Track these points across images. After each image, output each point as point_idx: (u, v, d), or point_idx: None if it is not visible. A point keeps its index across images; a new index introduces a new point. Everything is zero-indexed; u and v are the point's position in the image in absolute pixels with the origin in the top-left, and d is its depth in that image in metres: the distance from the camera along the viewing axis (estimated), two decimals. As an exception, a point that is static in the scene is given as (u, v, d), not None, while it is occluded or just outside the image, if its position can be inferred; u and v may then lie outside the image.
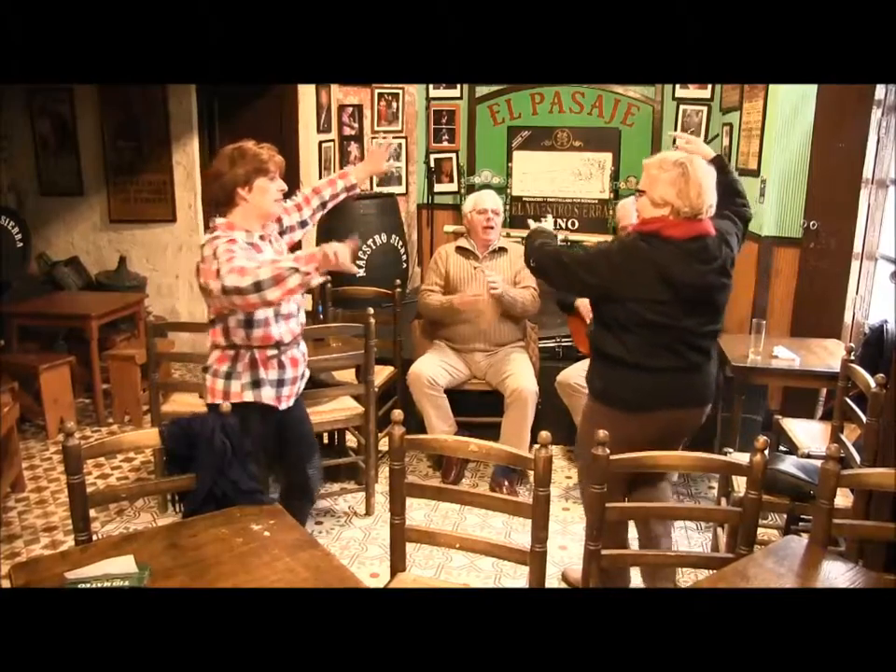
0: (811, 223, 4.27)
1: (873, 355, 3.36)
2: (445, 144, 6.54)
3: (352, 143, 6.08)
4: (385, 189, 6.18)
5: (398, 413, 2.10)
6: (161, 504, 3.57)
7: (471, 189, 5.95)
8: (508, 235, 5.17)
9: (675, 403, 2.54)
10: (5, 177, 5.80)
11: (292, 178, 5.37)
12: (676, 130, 5.97)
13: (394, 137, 6.22)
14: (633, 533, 3.44)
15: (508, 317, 3.91)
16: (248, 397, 2.51)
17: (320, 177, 5.68)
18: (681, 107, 5.95)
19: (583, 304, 3.64)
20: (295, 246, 2.74)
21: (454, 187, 6.56)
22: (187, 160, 5.69)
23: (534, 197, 6.37)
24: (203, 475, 2.08)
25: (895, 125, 3.79)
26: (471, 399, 3.97)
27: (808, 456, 2.95)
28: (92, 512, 2.07)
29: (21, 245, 5.54)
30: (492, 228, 3.92)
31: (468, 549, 2.21)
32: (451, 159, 6.55)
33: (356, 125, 6.04)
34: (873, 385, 2.66)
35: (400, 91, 6.19)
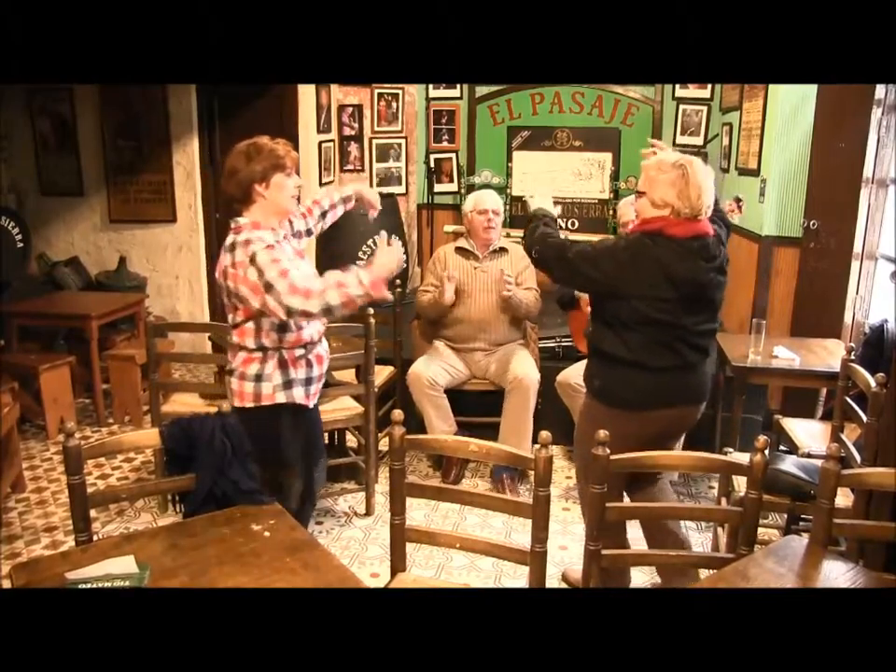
0: (811, 223, 4.27)
1: (873, 354, 3.35)
2: (445, 144, 6.54)
3: (352, 143, 6.08)
4: (385, 190, 6.18)
5: (398, 413, 2.10)
6: (161, 504, 3.57)
7: (471, 189, 5.95)
8: (508, 235, 5.17)
9: (674, 402, 2.55)
10: (5, 177, 5.80)
11: (292, 178, 5.38)
12: (676, 130, 5.99)
13: (394, 137, 6.24)
14: (635, 533, 3.45)
15: (508, 317, 3.91)
16: (281, 398, 2.50)
17: (320, 177, 5.69)
18: (681, 107, 5.95)
19: (586, 299, 3.64)
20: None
21: (454, 187, 6.56)
22: (187, 160, 5.69)
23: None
24: (203, 475, 2.08)
25: (895, 125, 3.79)
26: (471, 399, 3.97)
27: (809, 456, 2.95)
28: (93, 513, 2.06)
29: (21, 245, 5.55)
30: (493, 228, 3.92)
31: (468, 549, 2.21)
32: (451, 159, 6.55)
33: (356, 125, 6.04)
34: (873, 384, 2.66)
35: (400, 91, 6.19)
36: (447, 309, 3.86)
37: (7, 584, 1.89)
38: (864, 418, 2.72)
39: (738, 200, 4.76)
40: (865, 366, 2.93)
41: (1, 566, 3.03)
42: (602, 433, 2.01)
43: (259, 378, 2.48)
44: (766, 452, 1.97)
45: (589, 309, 3.42)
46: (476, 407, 3.96)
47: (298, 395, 2.53)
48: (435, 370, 3.77)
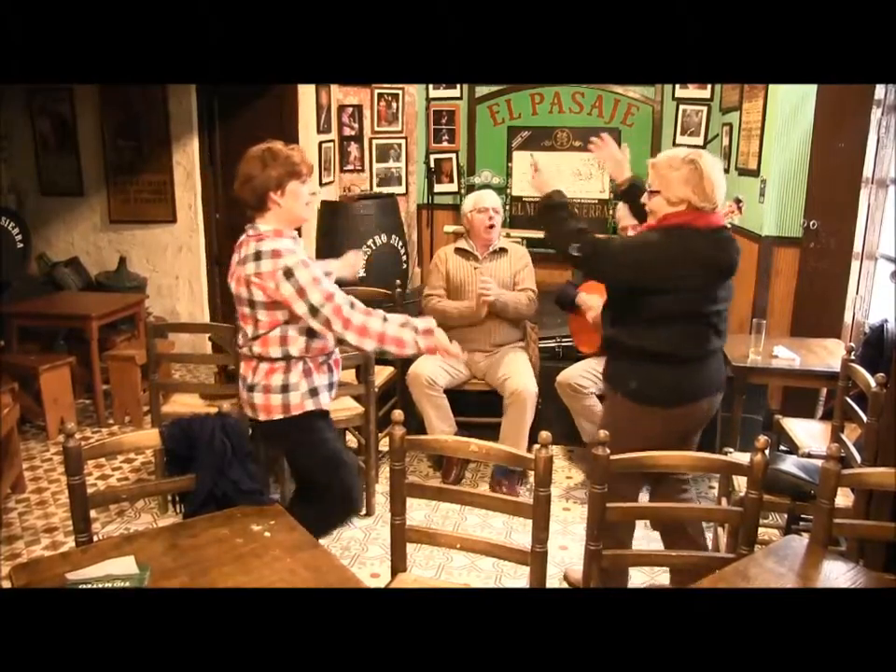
0: (811, 223, 4.27)
1: (873, 354, 3.35)
2: (445, 144, 6.54)
3: (352, 143, 6.08)
4: (385, 190, 6.18)
5: (398, 414, 2.10)
6: (161, 505, 3.57)
7: (471, 189, 5.95)
8: (508, 235, 5.17)
9: (706, 392, 2.58)
10: (5, 177, 5.80)
11: (292, 179, 5.38)
12: (676, 130, 5.98)
13: (394, 137, 6.24)
14: (636, 532, 3.45)
15: (507, 318, 3.91)
16: (309, 406, 2.48)
17: (320, 178, 5.68)
18: (681, 107, 5.95)
19: (584, 302, 3.64)
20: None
21: (454, 187, 6.56)
22: (187, 160, 5.69)
23: (534, 197, 6.34)
24: (203, 476, 2.08)
25: (895, 125, 3.79)
26: (471, 400, 3.97)
27: (809, 456, 2.95)
28: (93, 513, 2.07)
29: (21, 245, 5.55)
30: (493, 227, 3.91)
31: (468, 549, 2.21)
32: (451, 159, 6.55)
33: (356, 125, 6.04)
34: (873, 384, 2.66)
35: (400, 92, 6.20)
36: (477, 317, 3.83)
37: (7, 585, 1.89)
38: (864, 418, 2.72)
39: (738, 200, 4.76)
40: (865, 366, 2.93)
41: (1, 566, 3.03)
42: (602, 433, 2.01)
43: (285, 388, 2.44)
44: (766, 452, 1.97)
45: (593, 313, 3.43)
46: (475, 407, 3.95)
47: (324, 401, 2.53)
48: (435, 370, 3.77)
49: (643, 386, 2.53)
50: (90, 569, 1.70)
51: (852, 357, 3.02)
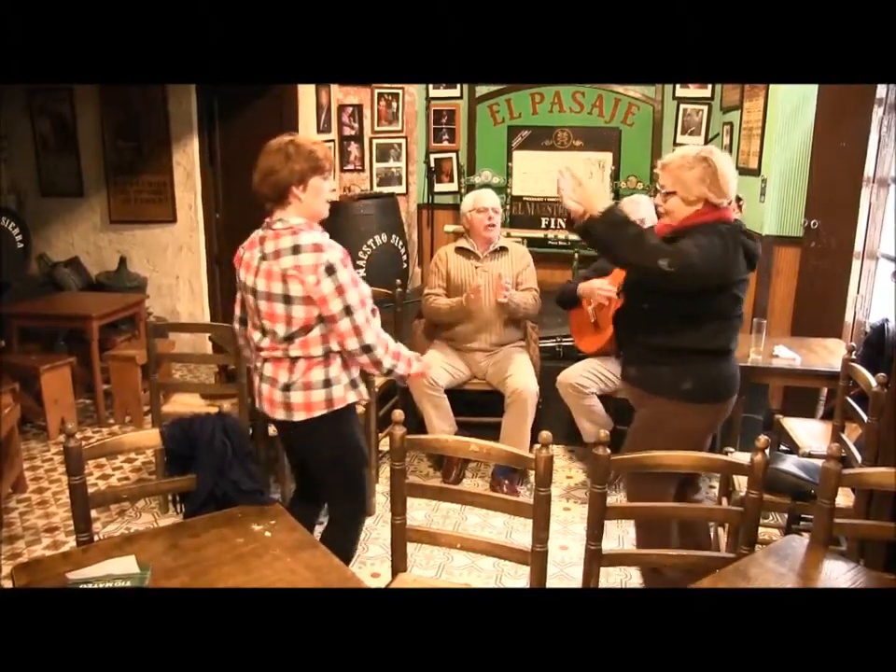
0: (812, 222, 4.27)
1: (873, 354, 3.36)
2: (445, 143, 6.55)
3: (352, 143, 6.08)
4: (386, 189, 6.18)
5: (398, 414, 2.10)
6: (162, 505, 3.57)
7: (471, 188, 5.94)
8: (508, 235, 5.17)
9: (739, 383, 2.63)
10: (5, 178, 5.80)
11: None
12: (676, 129, 5.98)
13: (394, 137, 6.24)
14: (634, 533, 3.45)
15: (508, 317, 3.91)
16: (351, 397, 2.45)
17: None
18: (682, 107, 5.95)
19: (585, 289, 3.65)
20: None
21: (454, 186, 6.56)
22: (187, 160, 5.69)
23: (534, 197, 6.37)
24: (203, 476, 2.08)
25: (896, 124, 3.79)
26: (472, 399, 3.97)
27: (809, 456, 2.95)
28: (94, 513, 2.07)
29: (22, 245, 5.54)
30: (493, 226, 3.90)
31: (468, 549, 2.21)
32: (451, 158, 6.55)
33: (356, 125, 6.04)
34: (874, 384, 2.66)
35: (400, 91, 6.20)
36: (467, 313, 3.83)
37: (8, 584, 1.89)
38: (865, 418, 2.72)
39: (739, 199, 4.76)
40: (866, 365, 2.93)
41: (2, 566, 3.03)
42: (603, 433, 2.01)
43: (328, 383, 2.39)
44: (767, 451, 1.97)
45: (594, 313, 3.43)
46: (476, 407, 3.95)
47: (362, 391, 2.52)
48: (435, 369, 3.77)
49: (699, 385, 2.50)
50: (90, 569, 1.70)
51: (853, 357, 3.01)
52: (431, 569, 3.16)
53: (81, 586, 1.64)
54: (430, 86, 6.45)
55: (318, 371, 2.37)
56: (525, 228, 6.25)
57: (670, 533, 2.66)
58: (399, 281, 4.31)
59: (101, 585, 1.64)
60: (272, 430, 3.32)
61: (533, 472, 1.96)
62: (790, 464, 2.68)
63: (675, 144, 5.99)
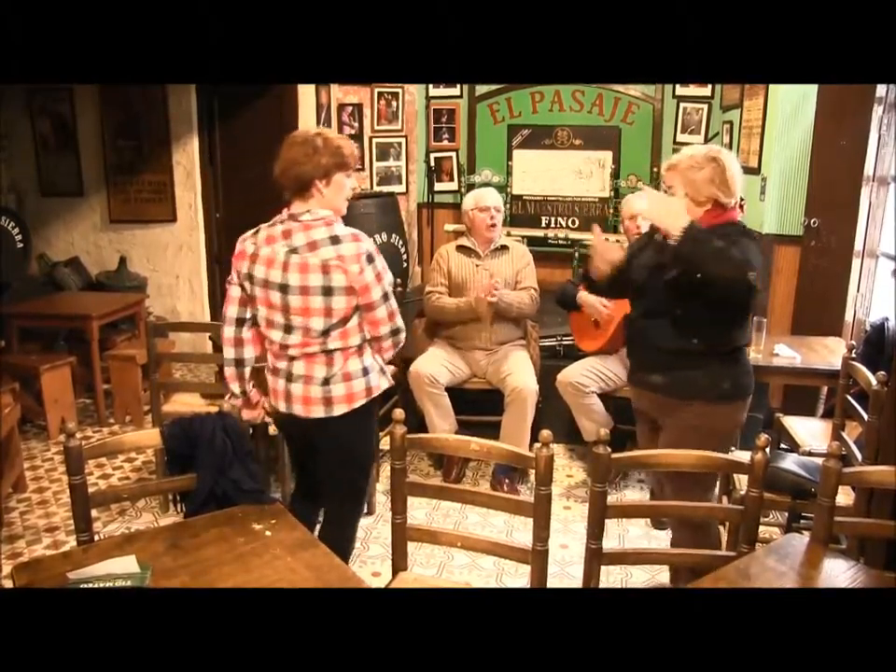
0: (812, 221, 4.27)
1: (873, 352, 3.36)
2: (445, 142, 6.54)
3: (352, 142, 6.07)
4: (386, 188, 6.18)
5: (399, 413, 2.10)
6: (162, 504, 3.58)
7: (472, 187, 5.94)
8: (508, 234, 5.17)
9: None
10: (5, 178, 5.80)
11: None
12: (676, 128, 5.98)
13: (394, 136, 6.23)
14: (636, 531, 3.45)
15: (501, 317, 3.90)
16: (384, 384, 2.46)
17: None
18: (682, 105, 5.95)
19: (585, 301, 3.65)
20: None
21: (454, 185, 6.56)
22: (187, 159, 5.69)
23: (534, 196, 6.37)
24: (203, 475, 2.08)
25: None
26: (472, 398, 3.97)
27: (809, 454, 2.95)
28: (94, 513, 2.06)
29: (22, 245, 5.55)
30: (495, 226, 3.90)
31: (469, 548, 2.21)
32: (451, 157, 6.55)
33: (356, 124, 6.04)
34: (874, 382, 2.67)
35: (400, 90, 6.19)
36: (472, 314, 3.82)
37: (8, 584, 1.89)
38: (865, 416, 2.72)
39: (741, 199, 4.76)
40: (866, 364, 2.94)
41: (2, 565, 3.04)
42: (603, 432, 2.01)
43: (366, 371, 2.39)
44: (767, 450, 1.97)
45: (597, 314, 3.42)
46: (476, 405, 3.95)
47: (389, 377, 2.52)
48: (436, 367, 3.77)
49: (734, 383, 2.49)
50: (91, 568, 1.70)
51: (853, 356, 3.02)
52: (432, 568, 3.16)
53: (82, 586, 1.63)
54: (430, 85, 6.45)
55: (355, 361, 2.37)
56: (525, 227, 6.25)
57: (718, 535, 2.67)
58: (399, 280, 4.30)
59: (101, 585, 1.64)
60: (272, 430, 3.32)
61: (533, 471, 1.97)
62: (790, 462, 2.68)
63: (675, 143, 5.99)
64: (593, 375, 3.69)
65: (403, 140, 6.30)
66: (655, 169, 6.10)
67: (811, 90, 4.28)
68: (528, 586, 2.09)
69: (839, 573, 1.77)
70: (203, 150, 5.73)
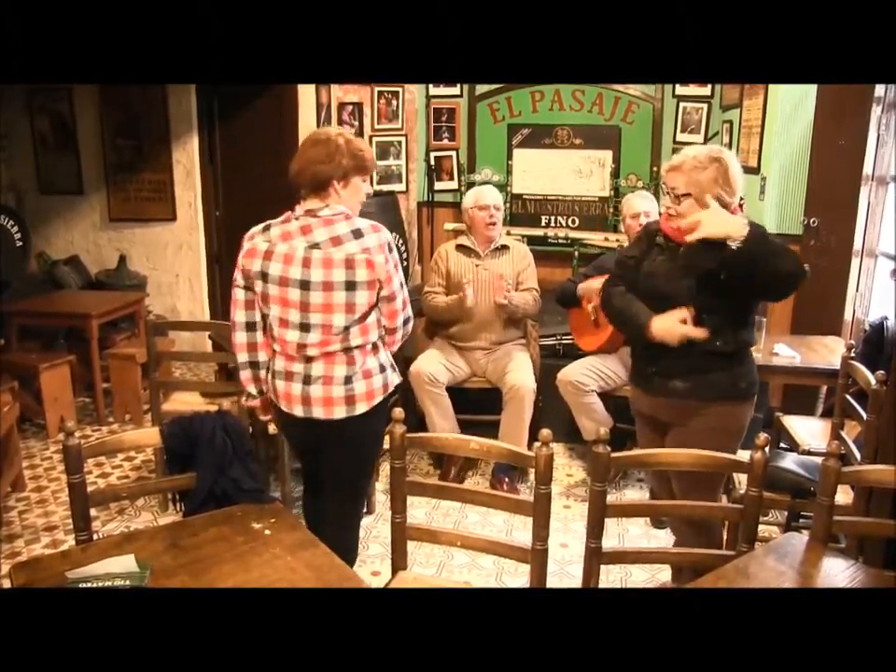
0: (811, 220, 4.27)
1: (873, 352, 3.36)
2: (445, 141, 6.54)
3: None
4: (386, 187, 6.17)
5: (398, 412, 2.10)
6: (161, 503, 3.58)
7: (472, 186, 5.93)
8: (508, 233, 5.17)
9: None
10: (4, 176, 5.80)
11: (292, 177, 5.38)
12: (676, 127, 5.98)
13: (394, 135, 6.23)
14: (636, 530, 3.45)
15: (514, 318, 3.91)
16: (396, 380, 2.48)
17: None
18: (681, 105, 5.95)
19: (585, 288, 3.65)
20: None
21: (454, 185, 6.55)
22: (187, 158, 5.68)
23: (534, 195, 6.37)
24: (203, 474, 2.08)
25: (895, 122, 3.79)
26: (471, 397, 3.97)
27: (809, 453, 2.95)
28: (93, 511, 2.07)
29: (21, 244, 5.54)
30: (494, 224, 3.89)
31: (469, 547, 2.22)
32: (451, 157, 6.55)
33: (356, 123, 6.03)
34: (873, 382, 2.67)
35: (400, 89, 6.19)
36: (465, 311, 3.82)
37: (7, 584, 1.89)
38: (864, 416, 2.72)
39: (741, 199, 4.76)
40: (865, 363, 2.94)
41: (1, 565, 3.04)
42: (603, 430, 2.01)
43: (383, 368, 2.41)
44: (767, 449, 1.97)
45: (593, 311, 3.40)
46: (476, 404, 3.96)
47: (398, 372, 2.52)
48: (436, 367, 3.77)
49: (749, 381, 2.50)
50: (90, 568, 1.70)
51: (852, 355, 3.02)
52: (432, 567, 3.16)
53: (80, 585, 1.63)
54: (430, 84, 6.44)
55: (373, 359, 2.38)
56: (525, 226, 6.25)
57: (721, 534, 2.66)
58: (398, 279, 4.30)
59: (100, 584, 1.64)
60: (272, 429, 3.32)
61: (533, 470, 1.97)
62: (789, 462, 2.68)
63: (675, 142, 5.99)
64: (592, 374, 3.69)
65: (403, 139, 6.30)
66: (655, 168, 6.10)
67: (810, 89, 4.29)
68: (528, 585, 2.09)
69: (838, 572, 1.77)
70: (202, 149, 5.73)
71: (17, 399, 3.79)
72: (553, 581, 2.95)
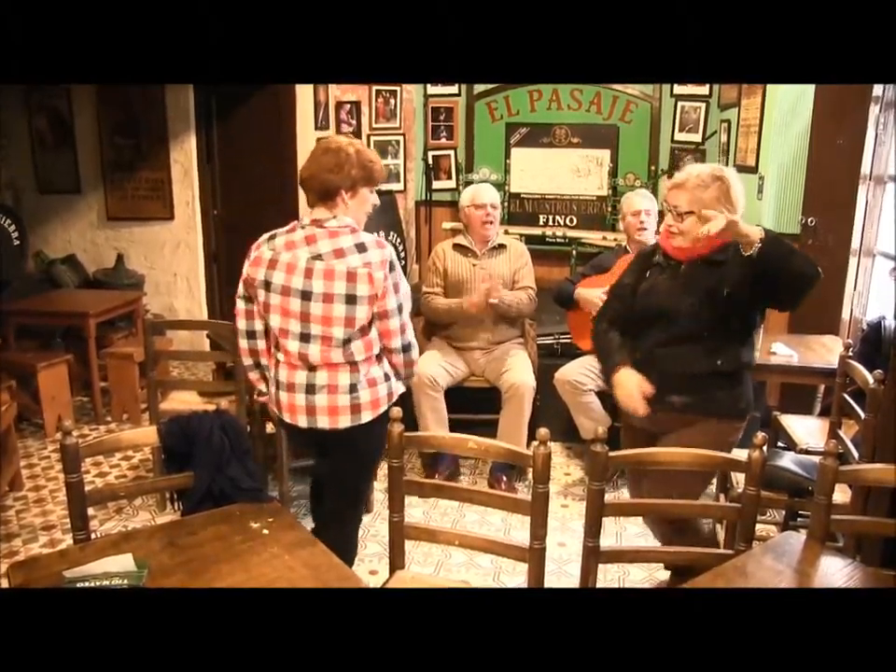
0: (809, 220, 4.27)
1: (870, 351, 3.36)
2: (443, 141, 6.53)
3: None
4: (384, 187, 6.15)
5: (396, 411, 2.10)
6: (159, 502, 3.57)
7: (470, 185, 5.94)
8: (506, 233, 5.17)
9: None
10: (2, 175, 5.79)
11: (289, 175, 5.37)
12: (674, 126, 5.98)
13: (392, 134, 6.22)
14: (634, 529, 3.45)
15: (508, 317, 3.90)
16: (401, 389, 2.48)
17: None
18: (680, 104, 5.95)
19: (582, 297, 3.66)
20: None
21: (452, 184, 6.55)
22: (184, 157, 5.68)
23: (532, 194, 6.37)
24: (201, 473, 2.08)
25: (893, 121, 3.79)
26: (469, 396, 3.96)
27: (806, 453, 2.95)
28: (91, 511, 2.06)
29: (18, 243, 5.53)
30: (491, 223, 3.88)
31: (466, 546, 2.22)
32: (449, 156, 6.54)
33: (353, 122, 6.02)
34: (871, 381, 2.67)
35: (398, 88, 6.18)
36: (465, 316, 3.82)
37: (4, 583, 1.89)
38: (862, 415, 2.72)
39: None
40: (863, 362, 2.94)
41: None
42: (601, 430, 2.01)
43: (386, 378, 2.41)
44: (764, 448, 1.97)
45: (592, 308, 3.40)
46: (474, 404, 3.95)
47: (403, 381, 2.52)
48: (436, 370, 3.75)
49: (748, 401, 2.51)
50: (87, 567, 1.70)
51: (850, 354, 3.02)
52: (429, 566, 3.16)
53: (78, 584, 1.63)
54: (428, 83, 6.44)
55: (377, 367, 2.38)
56: (523, 225, 6.25)
57: (709, 531, 2.67)
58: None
59: (98, 583, 1.63)
60: (269, 428, 3.32)
61: (531, 469, 1.97)
62: (787, 461, 2.69)
63: (673, 141, 6.00)
64: (590, 373, 3.69)
65: (401, 138, 6.29)
66: (653, 167, 6.10)
67: (808, 89, 4.29)
68: (526, 584, 2.09)
69: (836, 571, 1.77)
70: (200, 148, 5.72)
71: (14, 398, 3.79)
72: (550, 580, 2.95)
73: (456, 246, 3.96)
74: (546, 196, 6.33)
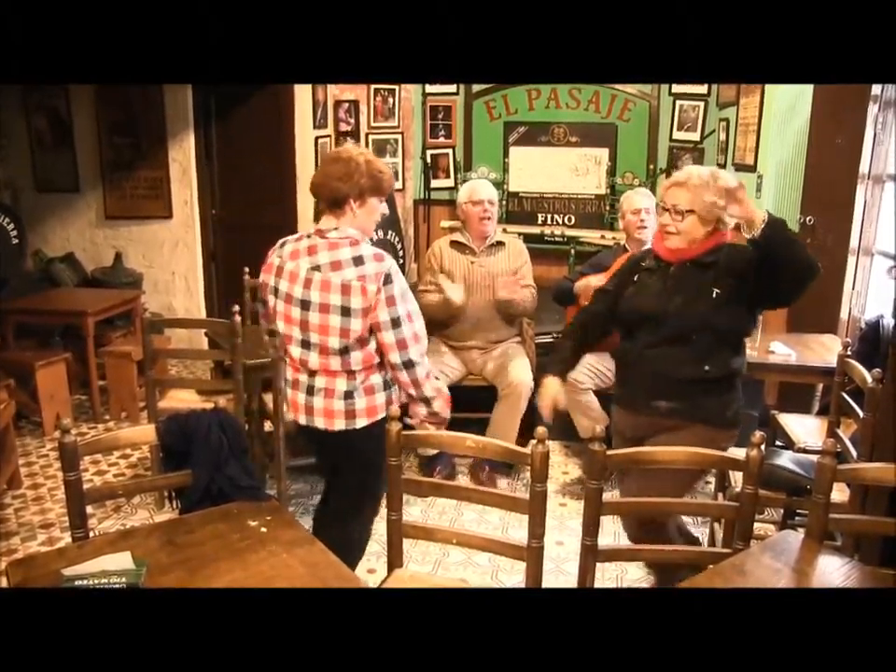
0: (808, 219, 4.27)
1: (869, 350, 3.36)
2: (442, 139, 6.54)
3: (348, 139, 6.06)
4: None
5: (395, 410, 2.10)
6: (157, 500, 3.57)
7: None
8: (504, 231, 5.16)
9: None
10: (1, 174, 5.78)
11: (288, 174, 5.38)
12: (672, 125, 5.98)
13: (390, 133, 6.23)
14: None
15: (504, 315, 3.90)
16: (403, 397, 2.47)
17: (317, 173, 5.66)
18: (678, 103, 5.95)
19: (583, 286, 3.66)
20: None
21: (450, 182, 6.55)
22: (183, 156, 5.67)
23: (530, 193, 6.37)
24: (199, 471, 2.08)
25: (892, 121, 3.79)
26: (467, 395, 3.95)
27: (805, 451, 2.95)
28: (89, 509, 2.07)
29: (17, 241, 5.53)
30: (489, 219, 3.86)
31: (464, 544, 2.22)
32: (447, 154, 6.54)
33: (352, 121, 6.02)
34: (869, 380, 2.67)
35: (397, 87, 6.18)
36: (458, 310, 3.80)
37: (3, 581, 1.89)
38: (860, 413, 2.72)
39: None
40: (861, 361, 2.94)
41: (-2, 562, 3.03)
42: (598, 428, 2.01)
43: (387, 385, 2.40)
44: (763, 447, 1.97)
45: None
46: (472, 402, 3.94)
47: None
48: (434, 371, 3.74)
49: (736, 411, 2.51)
50: (86, 565, 1.70)
51: (848, 353, 3.02)
52: (427, 565, 3.16)
53: (76, 582, 1.63)
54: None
55: (377, 376, 2.38)
56: (522, 224, 6.25)
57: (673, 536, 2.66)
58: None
59: (96, 582, 1.63)
60: (267, 426, 3.32)
61: (529, 468, 1.97)
62: (785, 460, 2.68)
63: (671, 140, 6.00)
64: (589, 372, 3.69)
65: (400, 137, 6.29)
66: (651, 166, 6.10)
67: (807, 88, 4.29)
68: (524, 583, 2.09)
69: (834, 570, 1.77)
70: (199, 147, 5.71)
71: (13, 396, 3.78)
72: (548, 579, 2.95)
73: (454, 244, 3.94)
74: (544, 195, 6.34)
